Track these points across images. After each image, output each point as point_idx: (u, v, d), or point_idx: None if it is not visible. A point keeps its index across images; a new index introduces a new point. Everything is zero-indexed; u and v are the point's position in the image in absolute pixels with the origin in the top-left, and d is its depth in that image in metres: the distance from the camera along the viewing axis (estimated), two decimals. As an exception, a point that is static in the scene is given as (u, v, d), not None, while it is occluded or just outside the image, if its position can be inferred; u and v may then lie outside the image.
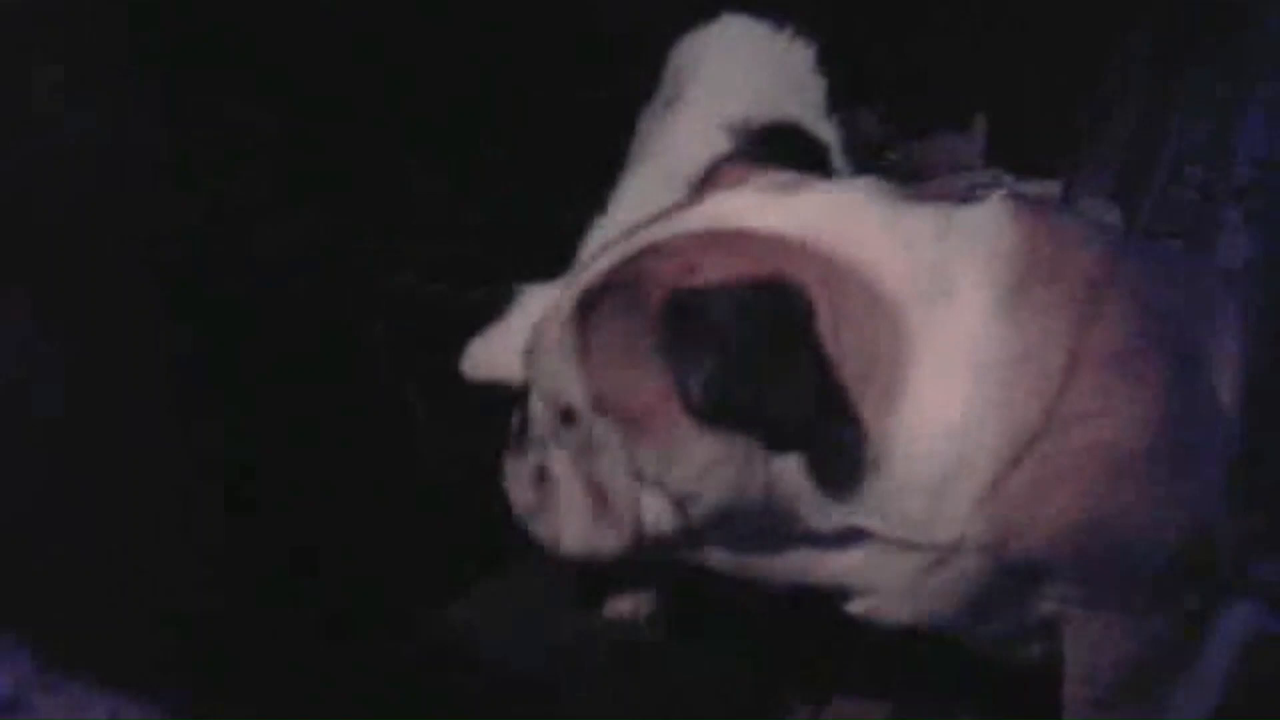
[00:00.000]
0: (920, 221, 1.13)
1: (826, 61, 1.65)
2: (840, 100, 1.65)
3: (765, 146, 1.51)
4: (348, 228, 1.71)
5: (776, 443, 1.07)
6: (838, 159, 1.62)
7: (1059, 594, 1.15)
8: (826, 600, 1.20)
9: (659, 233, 1.13)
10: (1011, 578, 1.14)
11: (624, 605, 1.55)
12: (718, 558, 1.16)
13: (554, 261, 1.53)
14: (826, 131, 1.62)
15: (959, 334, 1.09)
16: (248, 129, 1.70)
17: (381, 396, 1.63)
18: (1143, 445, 1.09)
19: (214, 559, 1.43)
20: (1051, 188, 1.90)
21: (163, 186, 1.60)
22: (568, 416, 1.13)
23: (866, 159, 1.88)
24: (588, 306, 1.11)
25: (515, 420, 1.22)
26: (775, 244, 1.09)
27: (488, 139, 1.80)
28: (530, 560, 1.61)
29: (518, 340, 1.30)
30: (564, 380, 1.12)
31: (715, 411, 1.06)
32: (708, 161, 1.27)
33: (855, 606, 1.18)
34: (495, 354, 1.45)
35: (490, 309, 1.51)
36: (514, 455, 1.20)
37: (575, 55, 1.84)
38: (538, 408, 1.17)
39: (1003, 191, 1.18)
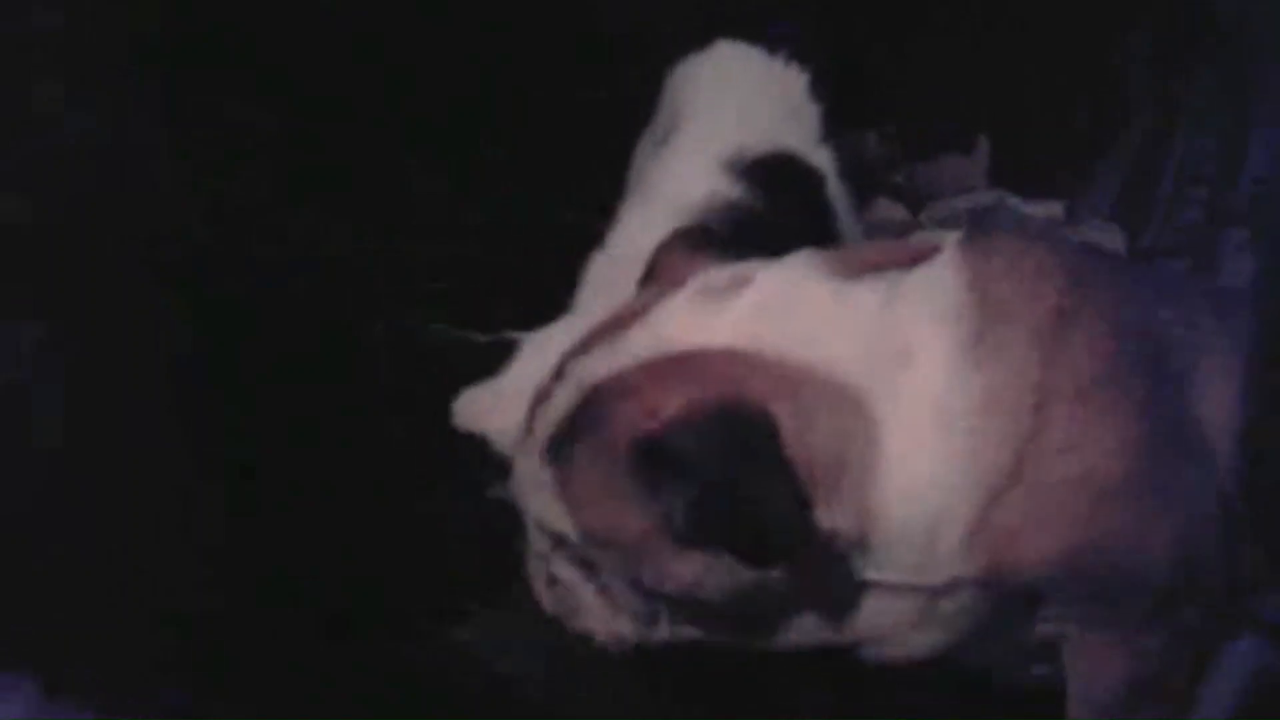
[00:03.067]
0: (865, 295, 1.14)
1: (826, 85, 1.66)
2: (842, 124, 1.65)
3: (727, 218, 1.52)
4: (348, 228, 1.71)
5: (760, 561, 1.09)
6: (834, 186, 1.62)
7: (1055, 615, 1.16)
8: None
9: (611, 360, 1.14)
10: (1008, 604, 1.15)
11: None
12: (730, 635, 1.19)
13: (554, 262, 1.53)
14: (823, 158, 1.62)
15: (921, 396, 1.10)
16: (248, 129, 1.70)
17: (381, 396, 1.63)
18: (1122, 469, 1.10)
19: (214, 559, 1.43)
20: (1055, 208, 1.90)
21: (163, 186, 1.60)
22: (561, 540, 1.16)
23: (870, 182, 1.88)
24: (559, 448, 1.13)
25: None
26: (725, 361, 1.10)
27: (488, 139, 1.80)
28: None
29: (509, 396, 1.34)
30: (552, 515, 1.15)
31: (700, 538, 1.09)
32: (696, 207, 1.35)
33: (866, 653, 1.20)
34: (486, 409, 1.47)
35: (490, 357, 1.52)
36: (532, 568, 1.23)
37: (575, 55, 1.84)
38: (532, 526, 1.20)
39: (956, 237, 1.18)
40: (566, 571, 1.19)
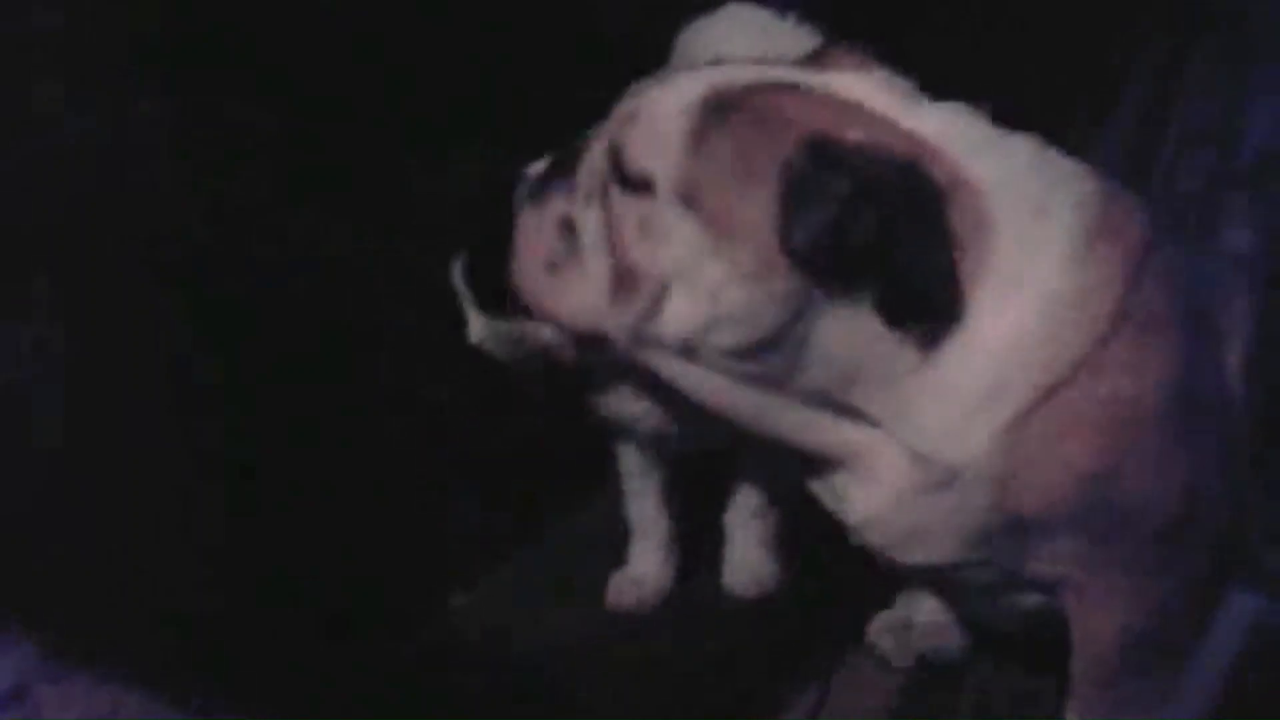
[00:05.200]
0: (1021, 145, 1.18)
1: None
2: None
3: None
4: (348, 228, 1.71)
5: (893, 307, 1.10)
6: None
7: (1060, 553, 1.16)
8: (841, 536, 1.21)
9: (786, 74, 1.15)
10: (1012, 527, 1.15)
11: (626, 596, 1.56)
12: (704, 383, 1.17)
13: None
14: None
15: (1038, 256, 1.13)
16: (248, 129, 1.70)
17: (381, 396, 1.63)
18: (1158, 407, 1.13)
19: (214, 559, 1.43)
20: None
21: (163, 186, 1.60)
22: (639, 186, 1.13)
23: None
24: (718, 107, 1.12)
25: (539, 168, 1.21)
26: (912, 137, 1.12)
27: (488, 139, 1.80)
28: (531, 556, 1.61)
29: None
30: (662, 157, 1.13)
31: (810, 258, 1.08)
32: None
33: (854, 514, 1.19)
34: None
35: None
36: (534, 205, 1.20)
37: (575, 55, 1.84)
38: (598, 158, 1.18)
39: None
40: (595, 228, 1.16)
